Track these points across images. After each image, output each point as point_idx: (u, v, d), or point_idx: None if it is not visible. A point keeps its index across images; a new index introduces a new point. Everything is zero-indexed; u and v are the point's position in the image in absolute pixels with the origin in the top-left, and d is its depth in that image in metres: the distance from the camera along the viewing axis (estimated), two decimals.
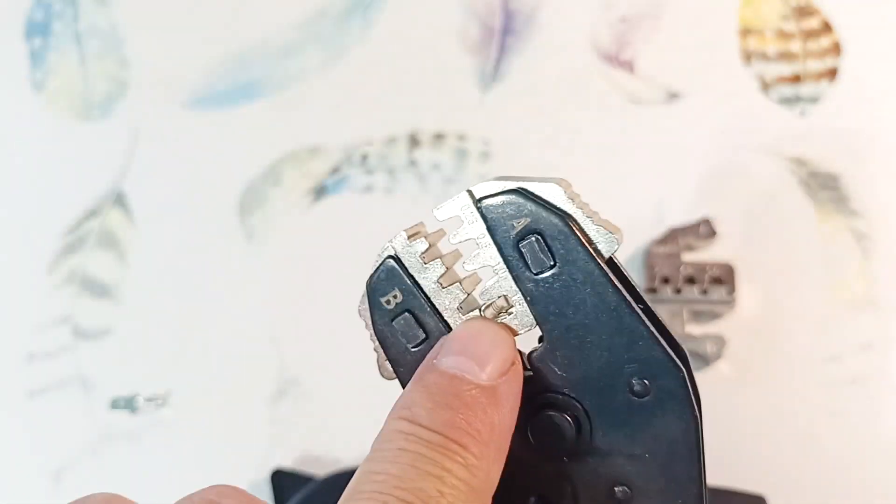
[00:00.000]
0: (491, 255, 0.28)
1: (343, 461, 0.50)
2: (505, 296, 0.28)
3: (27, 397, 0.55)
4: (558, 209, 0.27)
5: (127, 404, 0.54)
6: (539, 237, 0.27)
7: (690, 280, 0.48)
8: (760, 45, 0.52)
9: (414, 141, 0.54)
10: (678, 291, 0.48)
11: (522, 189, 0.28)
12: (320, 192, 0.54)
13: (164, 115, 0.57)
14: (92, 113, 0.58)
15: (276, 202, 0.55)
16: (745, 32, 0.52)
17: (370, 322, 0.29)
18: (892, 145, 0.50)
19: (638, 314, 0.27)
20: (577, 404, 0.28)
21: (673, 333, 0.48)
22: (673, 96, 0.52)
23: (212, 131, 0.56)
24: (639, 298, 0.28)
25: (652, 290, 0.48)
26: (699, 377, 0.48)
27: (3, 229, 0.58)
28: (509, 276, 0.28)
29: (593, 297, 0.27)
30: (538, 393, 0.28)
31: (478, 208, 0.28)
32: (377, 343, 0.29)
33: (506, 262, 0.28)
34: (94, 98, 0.58)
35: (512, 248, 0.28)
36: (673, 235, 0.49)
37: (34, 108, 0.59)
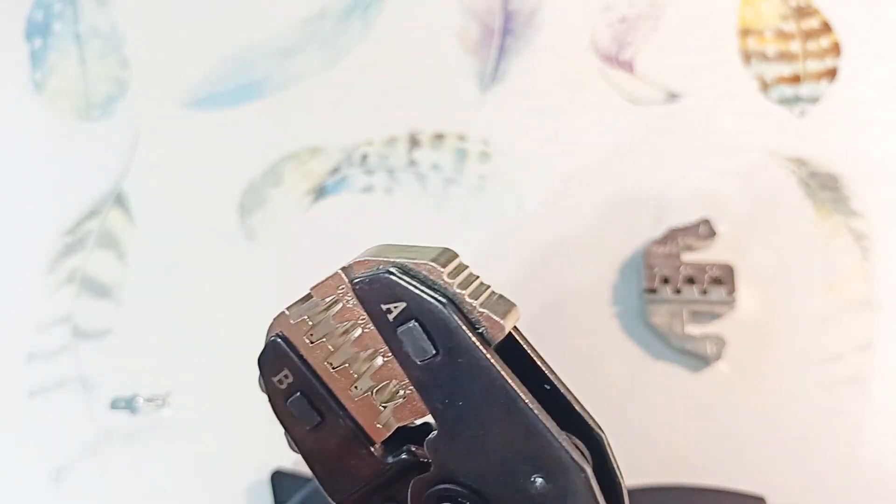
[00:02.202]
0: (375, 337, 0.26)
1: None
2: (394, 380, 0.26)
3: (27, 397, 0.55)
4: (437, 292, 0.25)
5: (127, 405, 0.54)
6: (417, 323, 0.25)
7: (690, 280, 0.48)
8: (760, 46, 0.52)
9: (414, 141, 0.54)
10: (678, 291, 0.48)
11: (398, 268, 0.25)
12: (320, 192, 0.54)
13: (164, 115, 0.57)
14: (92, 113, 0.58)
15: (276, 202, 0.55)
16: (745, 32, 0.52)
17: (268, 399, 0.27)
18: (892, 145, 0.50)
19: (530, 409, 0.24)
20: (480, 497, 0.26)
21: (672, 335, 0.49)
22: (672, 96, 0.52)
23: (212, 131, 0.56)
24: (543, 378, 0.26)
25: (651, 291, 0.48)
26: (699, 377, 0.49)
27: (4, 229, 0.58)
28: (395, 360, 0.26)
29: (481, 387, 0.25)
30: (435, 482, 0.26)
31: (354, 290, 0.26)
32: (278, 420, 0.27)
33: (389, 346, 0.26)
34: (94, 98, 0.58)
35: (392, 333, 0.25)
36: (672, 235, 0.49)
37: (34, 108, 0.59)
